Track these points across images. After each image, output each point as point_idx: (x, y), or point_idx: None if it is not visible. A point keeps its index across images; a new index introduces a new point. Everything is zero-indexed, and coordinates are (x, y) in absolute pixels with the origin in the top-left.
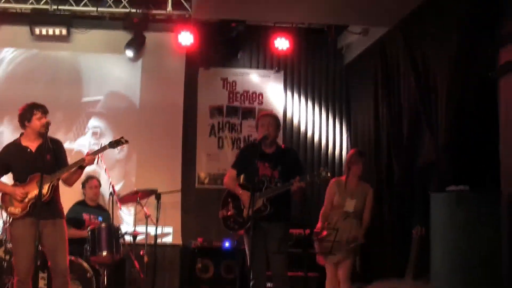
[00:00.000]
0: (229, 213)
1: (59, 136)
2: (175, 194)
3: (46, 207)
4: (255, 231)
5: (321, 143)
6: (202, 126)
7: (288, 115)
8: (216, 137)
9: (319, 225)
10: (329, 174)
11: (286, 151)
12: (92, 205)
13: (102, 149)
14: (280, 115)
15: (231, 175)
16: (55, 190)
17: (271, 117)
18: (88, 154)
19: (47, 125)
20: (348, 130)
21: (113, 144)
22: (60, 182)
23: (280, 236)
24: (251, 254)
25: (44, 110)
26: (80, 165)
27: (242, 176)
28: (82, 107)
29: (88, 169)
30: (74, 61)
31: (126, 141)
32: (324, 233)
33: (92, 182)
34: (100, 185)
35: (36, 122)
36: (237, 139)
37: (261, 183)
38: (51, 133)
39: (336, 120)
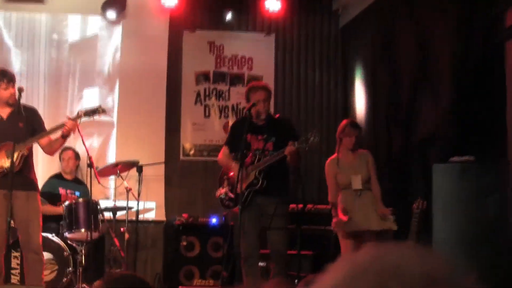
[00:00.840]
0: (223, 190)
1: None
2: (158, 166)
3: (17, 177)
4: (249, 206)
5: (314, 112)
6: (187, 94)
7: (280, 81)
8: (202, 105)
9: (333, 213)
10: (317, 138)
11: (279, 121)
12: (69, 178)
13: (77, 117)
14: (271, 81)
15: (224, 152)
16: (26, 160)
17: (262, 91)
18: (69, 118)
19: (19, 92)
20: (344, 97)
21: (89, 113)
22: (41, 152)
23: (278, 212)
24: (242, 229)
25: (8, 79)
26: (62, 134)
27: (233, 154)
28: (59, 73)
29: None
30: (50, 24)
31: (104, 110)
32: (345, 218)
33: (67, 153)
34: (77, 157)
35: (2, 92)
36: (225, 107)
37: (253, 156)
38: (32, 100)
39: (331, 87)
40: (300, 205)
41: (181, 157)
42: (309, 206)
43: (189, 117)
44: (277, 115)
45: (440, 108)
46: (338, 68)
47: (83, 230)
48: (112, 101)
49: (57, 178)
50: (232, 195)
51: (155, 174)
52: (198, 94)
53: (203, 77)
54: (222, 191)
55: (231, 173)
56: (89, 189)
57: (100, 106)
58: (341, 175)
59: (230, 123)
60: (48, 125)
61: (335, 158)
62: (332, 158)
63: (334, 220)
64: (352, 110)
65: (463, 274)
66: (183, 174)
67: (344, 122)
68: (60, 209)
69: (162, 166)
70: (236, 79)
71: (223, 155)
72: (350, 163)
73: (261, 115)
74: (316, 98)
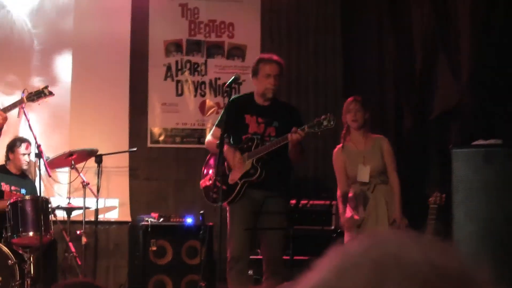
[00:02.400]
0: (211, 180)
1: None
2: (120, 156)
3: None
4: (241, 200)
5: (308, 88)
6: (155, 68)
7: (267, 51)
8: (174, 81)
9: (341, 210)
10: (332, 123)
11: (285, 105)
12: (14, 172)
13: (17, 103)
14: (257, 51)
15: (215, 134)
16: None
17: (275, 65)
18: None
19: None
20: (343, 73)
21: (32, 97)
22: None
23: (278, 210)
24: (231, 228)
25: None
26: None
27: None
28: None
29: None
30: None
31: (51, 93)
32: (356, 217)
33: (25, 145)
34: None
35: None
36: (201, 83)
37: (250, 140)
38: None
39: (328, 61)
40: (293, 201)
41: (149, 144)
42: (303, 202)
43: (158, 96)
44: (282, 100)
45: (459, 83)
46: (337, 37)
47: (31, 233)
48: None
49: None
50: (223, 187)
51: (118, 166)
52: (169, 68)
53: (174, 47)
54: (210, 182)
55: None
56: (38, 185)
57: (46, 87)
58: (348, 165)
59: (208, 103)
60: None
61: (342, 146)
62: (338, 147)
63: (344, 216)
64: (354, 86)
65: (475, 266)
66: (152, 165)
67: (348, 100)
68: (3, 205)
69: (126, 156)
70: (214, 49)
71: (213, 138)
72: (359, 151)
73: (267, 94)
74: (311, 71)
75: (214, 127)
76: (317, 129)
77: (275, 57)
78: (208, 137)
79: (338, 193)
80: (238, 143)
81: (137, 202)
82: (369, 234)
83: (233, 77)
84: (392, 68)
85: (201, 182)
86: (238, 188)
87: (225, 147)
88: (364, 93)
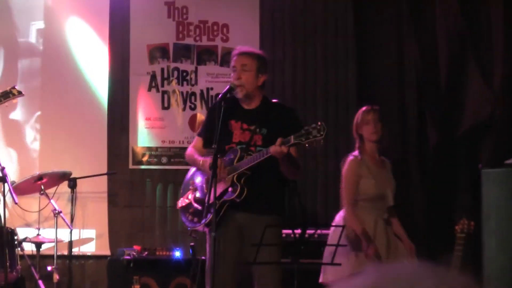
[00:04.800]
0: (187, 201)
1: None
2: (98, 180)
3: None
4: (224, 225)
5: (316, 99)
6: (138, 77)
7: (267, 57)
8: (159, 92)
9: (350, 221)
10: (323, 133)
11: (277, 107)
12: None
13: None
14: None
15: (196, 145)
16: None
17: (246, 56)
18: None
19: None
20: (357, 80)
21: None
22: None
23: (268, 237)
24: (211, 263)
25: None
26: None
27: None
28: None
29: None
30: None
31: (20, 93)
32: (371, 251)
33: None
34: None
35: None
36: (191, 94)
37: (233, 152)
38: None
39: (339, 66)
40: (298, 230)
41: (131, 165)
42: (310, 231)
43: (141, 109)
44: (274, 100)
45: (491, 90)
46: (349, 38)
47: None
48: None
49: None
50: (198, 207)
51: (95, 191)
52: (153, 77)
53: (159, 52)
54: (186, 202)
55: (202, 167)
56: (2, 213)
57: (14, 87)
58: (369, 180)
59: (199, 117)
60: None
61: (360, 157)
62: (355, 155)
63: (368, 248)
64: (369, 95)
65: None
66: (134, 190)
67: (360, 110)
68: None
69: (104, 179)
70: (206, 55)
71: (193, 149)
72: (378, 168)
73: (237, 93)
74: (319, 79)
75: (195, 137)
76: (304, 139)
77: (242, 48)
78: (188, 149)
79: (344, 202)
80: (217, 149)
81: (117, 233)
82: (382, 265)
83: (228, 87)
84: (413, 74)
85: (178, 202)
86: (216, 209)
87: (201, 160)
88: (381, 103)
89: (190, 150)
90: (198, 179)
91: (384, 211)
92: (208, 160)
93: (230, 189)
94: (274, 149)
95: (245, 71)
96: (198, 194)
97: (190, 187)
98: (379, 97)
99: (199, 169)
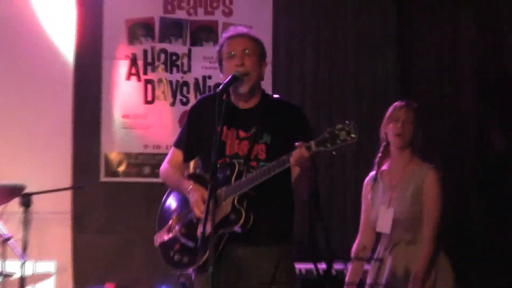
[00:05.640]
0: (170, 234)
1: None
2: (60, 196)
3: None
4: (221, 263)
5: (344, 95)
6: (113, 61)
7: (282, 39)
8: (141, 82)
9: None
10: (354, 136)
11: (282, 106)
12: None
13: None
14: (267, 37)
15: (174, 160)
16: None
17: (245, 39)
18: None
19: None
20: (400, 66)
21: None
22: None
23: (281, 277)
24: None
25: None
26: None
27: (192, 163)
28: None
29: None
30: None
31: None
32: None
33: None
34: None
35: None
36: (182, 83)
37: (229, 168)
38: None
39: (376, 53)
40: (322, 265)
41: (103, 177)
42: (339, 265)
43: (117, 104)
44: (275, 96)
45: None
46: (389, 18)
47: None
48: None
49: None
50: (187, 242)
51: (55, 211)
52: (133, 61)
53: (142, 29)
54: (167, 236)
55: (189, 197)
56: None
57: None
58: (373, 205)
59: None
60: None
61: (372, 176)
62: (370, 176)
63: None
64: (412, 87)
65: None
66: (107, 209)
67: (393, 105)
68: None
69: (68, 196)
70: (202, 33)
71: (169, 165)
72: (391, 184)
73: (245, 81)
74: (349, 70)
75: (172, 148)
76: (330, 145)
77: (240, 29)
78: (163, 165)
79: (356, 242)
80: (209, 168)
81: (84, 267)
82: None
83: (231, 76)
84: (470, 65)
85: (155, 237)
86: (214, 244)
87: (189, 184)
88: (426, 99)
89: (166, 167)
90: (181, 203)
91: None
92: (197, 190)
93: (231, 216)
94: (297, 156)
95: (248, 56)
96: (185, 225)
97: (173, 216)
98: (427, 92)
99: (184, 194)
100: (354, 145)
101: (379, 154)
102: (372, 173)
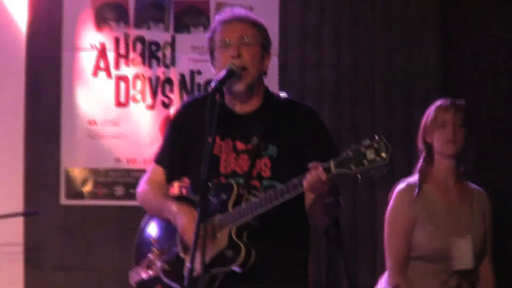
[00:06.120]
0: (150, 272)
1: None
2: (10, 225)
3: None
4: None
5: (374, 96)
6: (75, 52)
7: (290, 30)
8: (112, 78)
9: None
10: (385, 156)
11: (292, 108)
12: None
13: None
14: (272, 21)
15: (154, 179)
16: None
17: (244, 24)
18: None
19: None
20: (442, 65)
21: None
22: None
23: None
24: None
25: None
26: None
27: (177, 184)
28: None
29: None
30: None
31: None
32: None
33: None
34: None
35: None
36: (164, 80)
37: (225, 190)
38: None
39: (413, 45)
40: None
41: (63, 200)
42: None
43: (81, 107)
44: (282, 95)
45: None
46: (432, 7)
47: None
48: None
49: None
50: (171, 284)
51: (3, 242)
52: (102, 53)
53: (112, 11)
54: (146, 274)
55: (176, 221)
56: None
57: None
58: (426, 227)
59: None
60: None
61: (413, 185)
62: (409, 183)
63: None
64: (456, 86)
65: None
66: (70, 240)
67: (436, 104)
68: None
69: (19, 224)
70: (190, 17)
71: (149, 185)
72: (449, 205)
73: (242, 77)
74: (379, 65)
75: (151, 165)
76: (354, 167)
77: (238, 12)
78: (141, 186)
79: (391, 281)
80: (199, 189)
81: None
82: None
83: (226, 71)
84: None
85: (131, 274)
86: (206, 285)
87: (175, 208)
88: (475, 99)
89: (144, 188)
90: (164, 233)
91: (453, 277)
92: (185, 216)
93: (228, 252)
94: (312, 179)
95: (247, 46)
96: (169, 261)
97: (154, 248)
98: (474, 89)
99: (168, 219)
100: (385, 167)
101: (421, 164)
102: (411, 181)
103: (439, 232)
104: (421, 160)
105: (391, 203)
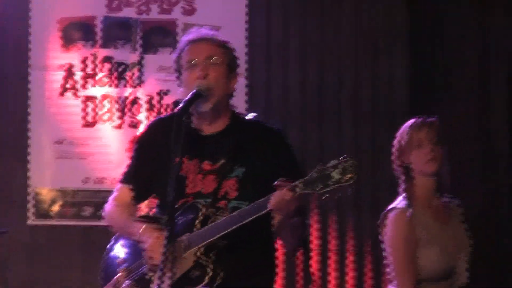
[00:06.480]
0: None
1: None
2: None
3: None
4: None
5: (340, 110)
6: (43, 72)
7: (258, 49)
8: (79, 99)
9: None
10: (350, 176)
11: (257, 129)
12: None
13: None
14: (239, 40)
15: (121, 199)
16: None
17: (210, 44)
18: None
19: None
20: (409, 77)
21: None
22: None
23: None
24: None
25: None
26: None
27: (146, 203)
28: None
29: None
30: None
31: None
32: None
33: None
34: None
35: None
36: (131, 101)
37: (192, 210)
38: None
39: (381, 55)
40: None
41: (31, 220)
42: None
43: (49, 127)
44: (249, 116)
45: None
46: (399, 10)
47: None
48: None
49: None
50: None
51: None
52: (69, 73)
53: (80, 31)
54: None
55: (142, 242)
56: None
57: None
58: (429, 249)
59: None
60: None
61: (404, 208)
62: (400, 208)
63: None
64: (426, 96)
65: None
66: (36, 261)
67: (407, 124)
68: None
69: None
70: (157, 37)
71: (116, 204)
72: (442, 225)
73: (208, 97)
74: (346, 77)
75: (119, 183)
76: (320, 188)
77: (205, 32)
78: (108, 206)
79: None
80: (166, 208)
81: None
82: None
83: (194, 92)
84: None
85: None
86: None
87: (142, 230)
88: (446, 113)
89: (111, 207)
90: (132, 253)
91: None
92: (153, 237)
93: (194, 272)
94: (277, 199)
95: (214, 66)
96: (137, 280)
97: (121, 268)
98: (447, 105)
99: (135, 239)
100: (350, 188)
101: (404, 184)
102: (399, 205)
103: (444, 252)
104: (403, 183)
105: (389, 232)
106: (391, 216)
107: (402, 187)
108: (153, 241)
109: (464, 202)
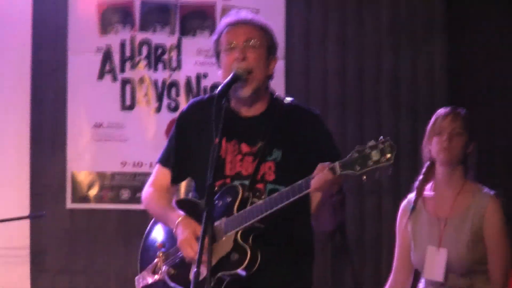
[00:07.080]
0: (156, 276)
1: None
2: (15, 228)
3: None
4: None
5: (378, 105)
6: (81, 56)
7: (296, 33)
8: (118, 81)
9: None
10: (389, 156)
11: (297, 112)
12: None
13: None
14: (278, 23)
15: (159, 181)
16: None
17: (250, 27)
18: None
19: None
20: (450, 63)
21: None
22: None
23: None
24: None
25: None
26: None
27: (184, 184)
28: None
29: None
30: None
31: None
32: None
33: None
34: None
35: None
36: (170, 84)
37: (230, 193)
38: None
39: (418, 45)
40: None
41: (69, 204)
42: None
43: (86, 110)
44: (287, 99)
45: None
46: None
47: None
48: None
49: None
50: (176, 286)
51: (9, 246)
52: (107, 56)
53: (118, 15)
54: (152, 279)
55: (177, 234)
56: None
57: None
58: (415, 242)
59: None
60: None
61: (414, 202)
62: (408, 201)
63: None
64: (465, 90)
65: None
66: (75, 244)
67: (438, 113)
68: None
69: (26, 227)
70: (195, 20)
71: (154, 189)
72: (437, 217)
73: (248, 81)
74: (384, 66)
75: (156, 166)
76: (360, 168)
77: (244, 14)
78: (146, 189)
79: (391, 274)
80: (204, 193)
81: None
82: None
83: (232, 75)
84: None
85: (137, 279)
86: None
87: (176, 216)
88: (480, 104)
89: (149, 192)
90: (170, 237)
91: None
92: (187, 223)
93: (233, 256)
94: (319, 180)
95: (253, 48)
96: (175, 265)
97: (160, 253)
98: (486, 95)
99: (174, 226)
100: (389, 168)
101: (421, 177)
102: (411, 197)
103: (418, 243)
104: (421, 172)
105: (398, 219)
106: (402, 205)
107: (418, 177)
108: (186, 236)
109: (504, 195)
